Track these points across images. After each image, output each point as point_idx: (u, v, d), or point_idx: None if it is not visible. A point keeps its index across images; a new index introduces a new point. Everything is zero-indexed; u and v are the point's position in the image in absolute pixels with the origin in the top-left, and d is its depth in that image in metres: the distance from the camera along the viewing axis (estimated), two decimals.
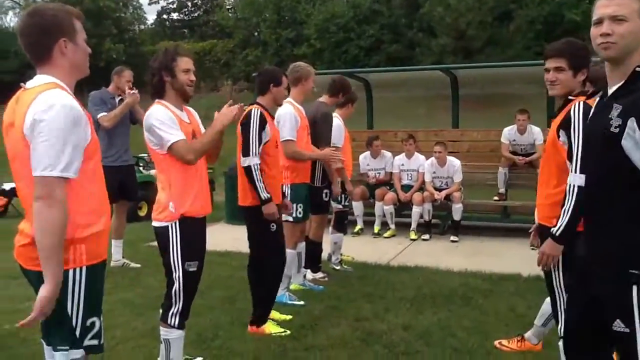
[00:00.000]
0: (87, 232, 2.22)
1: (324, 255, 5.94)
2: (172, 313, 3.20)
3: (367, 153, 8.29)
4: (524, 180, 7.96)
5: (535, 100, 8.64)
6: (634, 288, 2.00)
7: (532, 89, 9.53)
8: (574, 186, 2.53)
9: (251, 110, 4.11)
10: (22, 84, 2.28)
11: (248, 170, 4.02)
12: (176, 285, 3.18)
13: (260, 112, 4.11)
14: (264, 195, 4.01)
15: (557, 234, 2.64)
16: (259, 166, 4.03)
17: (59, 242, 2.08)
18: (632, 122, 1.98)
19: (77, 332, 2.25)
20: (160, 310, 3.32)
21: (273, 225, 4.12)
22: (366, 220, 8.11)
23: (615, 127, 2.02)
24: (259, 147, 4.04)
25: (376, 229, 7.93)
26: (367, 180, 8.22)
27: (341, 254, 6.20)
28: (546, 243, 2.72)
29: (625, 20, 2.08)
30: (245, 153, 4.03)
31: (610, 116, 2.06)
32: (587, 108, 2.60)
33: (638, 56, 2.09)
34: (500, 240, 7.59)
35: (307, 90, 5.02)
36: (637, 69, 2.08)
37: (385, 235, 7.85)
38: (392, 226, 7.92)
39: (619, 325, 2.04)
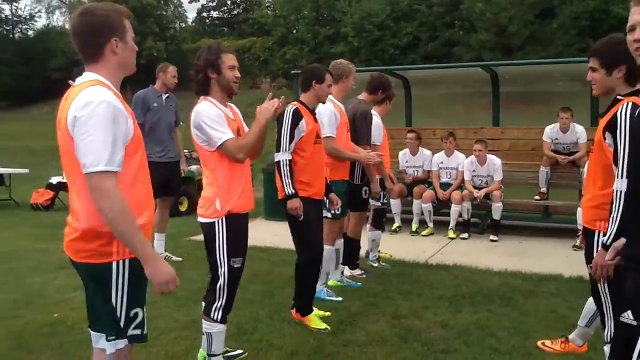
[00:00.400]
0: None
1: (362, 252, 5.96)
2: (216, 307, 3.28)
3: (406, 150, 8.26)
4: (566, 179, 7.81)
5: (578, 98, 8.46)
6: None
7: (576, 87, 9.32)
8: (620, 192, 2.40)
9: (288, 106, 4.17)
10: (70, 81, 2.37)
11: (277, 164, 4.12)
12: (221, 280, 3.26)
13: (295, 108, 4.16)
14: (289, 190, 4.08)
15: (607, 243, 2.47)
16: (288, 162, 4.09)
17: (128, 226, 2.15)
18: None
19: (122, 323, 2.32)
20: (202, 304, 3.40)
21: (301, 216, 4.16)
22: (404, 218, 8.10)
23: None
24: (289, 143, 4.09)
25: (414, 226, 7.90)
26: (405, 178, 8.20)
27: (379, 251, 6.21)
28: (598, 254, 2.58)
29: None
30: (277, 148, 4.13)
31: None
32: (635, 109, 2.50)
33: None
34: (541, 240, 7.47)
35: (348, 88, 5.05)
36: None
37: (424, 233, 7.82)
38: (430, 224, 7.88)
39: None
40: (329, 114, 4.76)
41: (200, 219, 3.32)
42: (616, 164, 2.51)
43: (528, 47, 20.86)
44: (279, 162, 4.10)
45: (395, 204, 7.94)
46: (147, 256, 2.22)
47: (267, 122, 3.29)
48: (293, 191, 4.08)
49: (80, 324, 4.17)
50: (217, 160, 3.24)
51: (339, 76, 4.95)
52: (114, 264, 2.27)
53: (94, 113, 2.14)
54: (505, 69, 9.44)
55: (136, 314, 2.36)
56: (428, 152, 8.20)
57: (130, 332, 2.36)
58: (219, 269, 3.26)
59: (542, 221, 8.37)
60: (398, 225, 8.00)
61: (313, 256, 4.32)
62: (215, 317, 3.29)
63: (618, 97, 2.76)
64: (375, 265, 6.06)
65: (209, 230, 3.27)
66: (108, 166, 2.14)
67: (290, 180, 4.07)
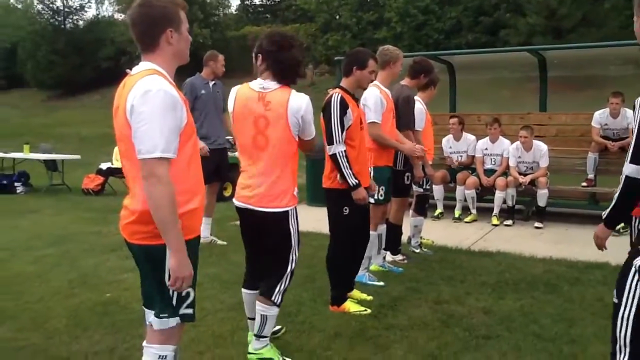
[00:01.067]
0: (184, 209, 2.36)
1: (404, 238, 5.98)
2: (279, 290, 3.37)
3: (450, 136, 8.20)
4: (615, 166, 7.57)
5: (630, 82, 8.19)
6: (633, 267, 2.13)
7: (627, 70, 9.04)
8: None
9: (331, 96, 4.13)
10: (127, 70, 2.47)
11: (334, 158, 4.05)
12: (290, 267, 3.37)
13: (341, 97, 4.09)
14: (352, 181, 4.06)
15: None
16: (345, 153, 4.04)
17: (170, 216, 2.24)
18: None
19: (174, 302, 2.42)
20: (261, 288, 3.45)
21: (346, 209, 4.18)
22: (447, 205, 8.05)
23: None
24: (342, 133, 4.04)
25: (457, 213, 7.86)
26: (449, 164, 8.14)
27: (421, 237, 6.21)
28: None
29: None
30: (330, 141, 4.05)
31: None
32: None
33: None
34: (587, 227, 7.27)
35: (395, 74, 5.04)
36: None
37: (466, 220, 7.77)
38: (474, 211, 7.82)
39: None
40: (375, 99, 4.74)
41: (270, 209, 3.31)
42: None
43: (580, 30, 20.26)
44: (335, 154, 4.04)
45: (438, 190, 7.91)
46: (178, 249, 2.28)
47: None
48: (357, 181, 4.09)
49: (132, 304, 4.37)
50: (295, 152, 3.35)
51: (386, 62, 4.93)
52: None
53: (152, 101, 2.22)
54: (554, 53, 9.20)
55: (188, 294, 2.46)
56: (472, 137, 8.12)
57: (182, 311, 2.46)
58: (291, 256, 3.36)
59: (589, 208, 8.16)
60: (440, 212, 7.97)
61: (357, 245, 4.37)
62: (277, 300, 3.37)
63: None
64: (417, 251, 6.07)
65: (282, 219, 3.32)
66: (165, 153, 2.22)
67: (351, 171, 4.06)
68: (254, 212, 3.36)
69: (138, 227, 2.36)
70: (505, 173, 7.79)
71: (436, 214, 7.91)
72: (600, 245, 2.73)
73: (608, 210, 2.52)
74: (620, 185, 2.38)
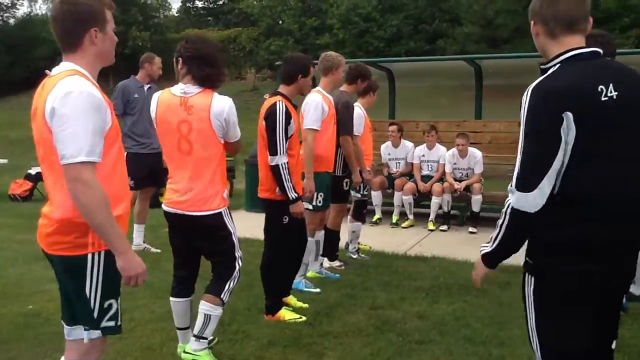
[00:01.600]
0: None
1: (342, 243, 5.98)
2: (228, 289, 3.37)
3: (389, 143, 8.28)
4: None
5: None
6: (526, 275, 2.12)
7: None
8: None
9: (275, 103, 4.03)
10: (47, 71, 2.34)
11: (276, 169, 3.98)
12: (238, 265, 3.38)
13: (286, 106, 4.04)
14: (292, 195, 4.03)
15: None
16: (287, 165, 3.98)
17: (107, 218, 2.15)
18: None
19: (95, 314, 2.32)
20: (209, 287, 3.43)
21: (285, 218, 4.14)
22: (385, 210, 8.13)
23: None
24: (285, 143, 3.99)
25: (394, 218, 7.95)
26: (388, 172, 8.22)
27: (359, 243, 6.23)
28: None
29: None
30: (273, 151, 3.96)
31: None
32: None
33: None
34: None
35: (337, 80, 5.04)
36: None
37: (404, 225, 7.87)
38: (411, 216, 7.93)
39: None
40: (316, 105, 4.68)
41: (203, 213, 3.28)
42: None
43: (515, 40, 20.99)
44: (277, 166, 3.97)
45: (376, 196, 7.97)
46: (122, 249, 2.22)
47: None
48: (296, 195, 4.06)
49: (56, 315, 4.11)
50: (222, 155, 3.33)
51: (328, 68, 4.93)
52: (89, 256, 2.27)
53: (74, 103, 2.12)
54: (489, 62, 9.48)
55: (110, 305, 2.36)
56: (410, 145, 8.24)
57: (104, 323, 2.36)
58: (236, 252, 3.38)
59: None
60: (379, 217, 8.04)
61: (299, 249, 4.40)
62: (224, 298, 3.36)
63: None
64: (355, 256, 6.08)
65: (218, 220, 3.31)
66: (89, 157, 2.12)
67: (291, 184, 4.02)
68: (186, 217, 3.31)
69: (57, 237, 2.25)
70: (442, 179, 7.93)
71: (374, 219, 7.98)
72: (476, 283, 2.38)
73: (491, 245, 2.18)
74: (506, 219, 2.06)
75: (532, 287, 2.10)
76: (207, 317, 3.36)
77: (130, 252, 2.25)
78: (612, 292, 2.12)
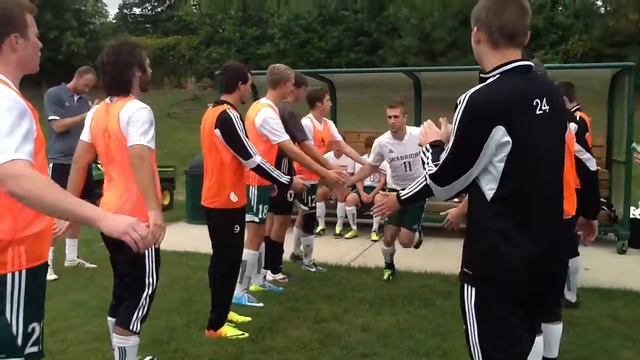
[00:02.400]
0: (26, 232, 2.10)
1: (285, 256, 5.92)
2: (137, 318, 3.12)
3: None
4: None
5: None
6: (464, 286, 2.16)
7: None
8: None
9: (225, 111, 4.00)
10: None
11: (259, 168, 4.08)
12: (147, 290, 3.12)
13: (238, 115, 4.06)
14: (285, 180, 4.20)
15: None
16: (264, 160, 4.12)
17: (59, 195, 1.92)
18: None
19: (19, 340, 2.12)
20: (110, 319, 3.23)
21: (237, 227, 4.07)
22: (328, 221, 8.11)
23: None
24: (250, 144, 4.05)
25: (338, 229, 7.94)
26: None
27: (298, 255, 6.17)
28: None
29: None
30: (247, 156, 4.01)
31: None
32: None
33: None
34: (459, 241, 7.61)
35: (285, 93, 5.01)
36: None
37: (347, 236, 7.88)
38: (354, 227, 7.95)
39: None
40: (276, 120, 4.71)
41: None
42: None
43: (451, 54, 21.60)
44: (258, 165, 4.06)
45: (319, 207, 7.94)
46: (95, 214, 1.95)
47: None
48: (289, 178, 4.23)
49: None
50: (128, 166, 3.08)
51: (277, 81, 4.90)
52: (9, 276, 2.07)
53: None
54: (428, 75, 9.66)
55: (33, 329, 2.18)
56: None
57: (28, 349, 2.16)
58: (147, 279, 3.10)
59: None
60: (322, 229, 8.01)
61: (239, 261, 4.29)
62: (134, 329, 3.12)
63: None
64: (313, 269, 6.01)
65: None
66: (18, 153, 1.90)
67: (278, 172, 4.24)
68: None
69: None
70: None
71: (318, 230, 7.93)
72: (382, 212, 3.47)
73: (406, 194, 3.29)
74: (421, 185, 2.96)
75: (472, 300, 2.10)
76: (122, 350, 3.14)
77: (105, 213, 2.01)
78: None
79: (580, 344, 4.02)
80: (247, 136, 4.04)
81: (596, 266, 5.88)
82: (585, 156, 3.68)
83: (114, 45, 3.22)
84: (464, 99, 2.03)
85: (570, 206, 3.38)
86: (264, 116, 4.66)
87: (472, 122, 2.00)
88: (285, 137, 4.72)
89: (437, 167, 2.14)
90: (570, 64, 16.99)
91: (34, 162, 2.04)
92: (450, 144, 2.08)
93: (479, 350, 2.11)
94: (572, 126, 3.53)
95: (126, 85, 3.13)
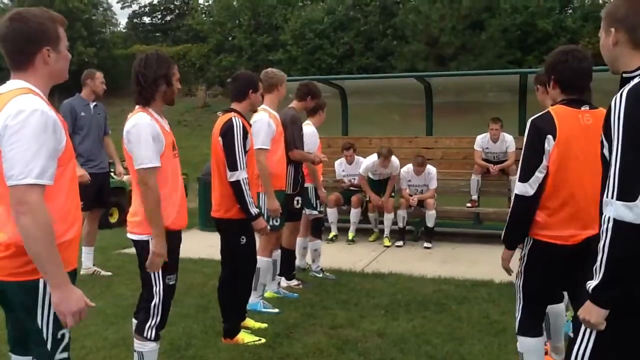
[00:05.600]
0: (58, 240, 2.14)
1: (301, 262, 5.94)
2: (149, 326, 3.14)
3: (342, 159, 8.29)
4: (496, 187, 8.08)
5: (507, 108, 8.77)
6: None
7: (505, 97, 9.67)
8: (515, 193, 2.91)
9: (231, 119, 3.99)
10: None
11: (237, 185, 3.89)
12: (156, 299, 3.13)
13: (241, 122, 4.01)
14: (254, 210, 3.95)
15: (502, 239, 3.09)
16: (247, 180, 3.91)
17: (48, 248, 2.01)
18: None
19: (49, 346, 2.18)
20: (134, 321, 3.26)
21: (243, 238, 4.06)
22: (340, 227, 8.11)
23: None
24: (244, 158, 3.93)
25: (350, 235, 7.94)
26: (341, 187, 8.22)
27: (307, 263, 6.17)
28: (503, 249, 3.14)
29: None
30: (233, 167, 3.88)
31: None
32: None
33: None
34: (473, 246, 7.66)
35: (281, 97, 5.02)
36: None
37: (371, 239, 7.97)
38: (376, 230, 8.12)
39: None
40: (264, 124, 4.64)
41: (134, 236, 3.16)
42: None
43: (460, 58, 21.54)
44: (238, 181, 3.88)
45: (331, 213, 7.96)
46: (60, 282, 2.06)
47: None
48: (257, 210, 3.99)
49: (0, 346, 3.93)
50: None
51: (273, 85, 4.89)
52: (40, 282, 2.13)
53: (26, 122, 2.01)
54: (438, 80, 9.67)
55: (63, 336, 2.23)
56: (362, 159, 8.20)
57: (58, 355, 2.22)
58: (154, 287, 3.12)
59: (474, 228, 8.60)
60: (335, 234, 8.00)
61: (253, 271, 4.26)
62: (148, 336, 3.15)
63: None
64: (320, 275, 6.01)
65: (143, 247, 3.11)
66: (38, 179, 2.00)
67: (252, 199, 3.94)
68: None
69: (6, 261, 2.10)
70: (392, 195, 7.99)
71: (330, 236, 7.94)
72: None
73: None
74: (608, 237, 1.87)
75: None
76: (140, 354, 3.19)
77: (70, 287, 2.08)
78: None
79: None
80: (244, 149, 3.94)
81: None
82: None
83: (145, 56, 3.20)
84: (619, 99, 1.86)
85: None
86: (255, 119, 4.65)
87: None
88: (263, 145, 4.59)
89: (615, 184, 1.81)
90: None
91: (63, 175, 2.15)
92: (618, 153, 1.82)
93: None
94: None
95: (143, 97, 3.12)
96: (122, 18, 61.21)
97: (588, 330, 1.95)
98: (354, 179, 8.22)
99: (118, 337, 4.16)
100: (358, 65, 25.30)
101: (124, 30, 38.77)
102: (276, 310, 4.84)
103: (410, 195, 7.82)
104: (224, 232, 4.17)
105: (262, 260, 4.70)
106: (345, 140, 8.54)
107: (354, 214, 7.97)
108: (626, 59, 1.99)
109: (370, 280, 5.94)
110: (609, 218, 1.81)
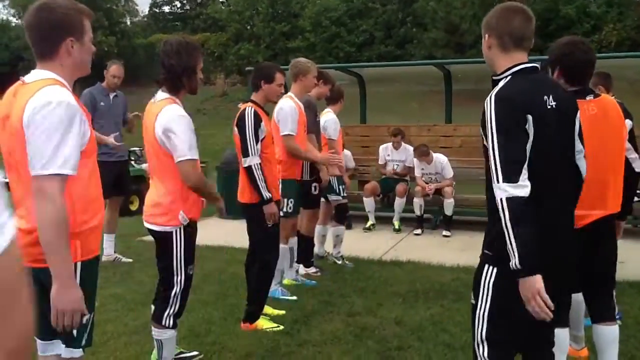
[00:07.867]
0: (82, 227, 2.21)
1: (319, 250, 5.96)
2: (168, 314, 3.18)
3: (389, 145, 8.19)
4: None
5: None
6: (485, 266, 2.33)
7: None
8: (502, 199, 2.58)
9: (245, 110, 4.12)
10: (21, 77, 2.25)
11: (249, 170, 4.01)
12: (176, 288, 3.16)
13: (254, 110, 4.10)
14: (266, 194, 4.01)
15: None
16: (260, 165, 4.02)
17: (57, 239, 2.05)
18: None
19: (75, 332, 2.24)
20: (152, 308, 3.31)
21: (269, 223, 4.11)
22: (356, 215, 8.04)
23: None
24: (256, 145, 4.03)
25: (368, 223, 7.91)
26: (383, 173, 8.15)
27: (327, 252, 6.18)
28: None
29: None
30: (245, 153, 4.03)
31: None
32: None
33: None
34: None
35: (307, 86, 5.03)
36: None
37: (396, 227, 7.84)
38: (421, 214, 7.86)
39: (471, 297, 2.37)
40: (291, 111, 4.74)
41: (155, 227, 3.16)
42: None
43: (480, 46, 21.29)
44: (250, 167, 3.99)
45: (368, 202, 7.91)
46: (63, 275, 2.08)
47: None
48: (269, 195, 4.03)
49: None
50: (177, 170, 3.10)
51: (296, 75, 4.93)
52: None
53: (53, 114, 2.05)
54: (458, 67, 9.57)
55: (88, 320, 2.29)
56: (411, 148, 8.06)
57: (84, 340, 2.31)
58: (176, 277, 3.14)
59: None
60: (372, 223, 7.92)
61: (275, 257, 4.30)
62: (166, 324, 3.19)
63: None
64: (339, 262, 6.01)
65: (165, 238, 3.13)
66: (62, 169, 2.05)
67: (265, 184, 4.01)
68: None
69: (30, 248, 2.14)
70: (406, 180, 7.94)
71: (368, 225, 7.89)
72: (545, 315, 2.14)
73: (515, 258, 2.06)
74: (506, 215, 2.05)
75: (492, 278, 2.29)
76: (159, 342, 3.24)
77: (69, 282, 2.09)
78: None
79: (619, 339, 3.95)
80: (257, 138, 4.01)
81: (633, 259, 5.77)
82: (633, 155, 3.54)
83: (176, 43, 3.13)
84: (488, 102, 2.18)
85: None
86: (279, 105, 4.73)
87: (509, 114, 2.14)
88: (287, 132, 4.70)
89: (498, 170, 2.10)
90: (604, 54, 16.62)
91: (86, 165, 2.20)
92: (494, 144, 2.13)
93: (484, 327, 2.30)
94: (628, 123, 3.42)
95: (175, 86, 3.10)
96: (142, 7, 61.47)
97: (482, 296, 2.28)
98: (398, 165, 8.14)
99: (138, 323, 4.22)
100: (377, 53, 25.15)
101: (144, 20, 38.99)
102: (294, 297, 4.88)
103: (427, 183, 7.76)
104: (249, 218, 4.23)
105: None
106: (395, 127, 8.40)
107: (398, 203, 7.86)
108: (498, 61, 2.32)
109: (389, 268, 5.94)
110: (501, 199, 2.09)
